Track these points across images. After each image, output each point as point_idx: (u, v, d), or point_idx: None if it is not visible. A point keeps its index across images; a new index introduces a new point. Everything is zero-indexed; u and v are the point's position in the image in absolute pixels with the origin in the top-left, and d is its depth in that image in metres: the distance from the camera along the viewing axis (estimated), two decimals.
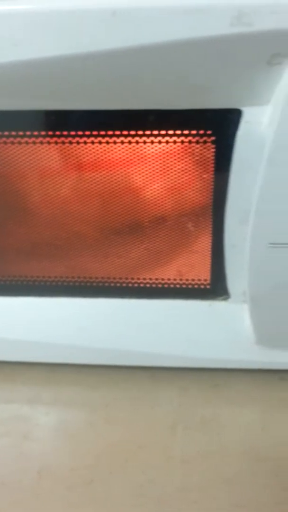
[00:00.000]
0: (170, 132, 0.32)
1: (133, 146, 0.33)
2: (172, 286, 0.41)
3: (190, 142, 0.33)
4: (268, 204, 0.31)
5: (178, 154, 0.33)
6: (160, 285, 0.41)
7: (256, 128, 0.30)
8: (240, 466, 0.38)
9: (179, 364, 0.42)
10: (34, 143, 0.33)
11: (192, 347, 0.41)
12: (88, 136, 0.33)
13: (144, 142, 0.33)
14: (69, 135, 0.33)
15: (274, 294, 0.36)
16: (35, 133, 0.33)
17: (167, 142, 0.33)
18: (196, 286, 0.40)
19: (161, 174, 0.35)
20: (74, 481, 0.37)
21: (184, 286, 0.40)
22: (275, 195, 0.31)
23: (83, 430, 0.40)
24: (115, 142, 0.33)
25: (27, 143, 0.33)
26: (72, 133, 0.33)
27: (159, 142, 0.33)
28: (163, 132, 0.32)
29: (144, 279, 0.41)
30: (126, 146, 0.33)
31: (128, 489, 0.37)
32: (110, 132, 0.33)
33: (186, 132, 0.32)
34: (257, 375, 0.43)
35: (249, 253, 0.34)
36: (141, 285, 0.41)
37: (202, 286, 0.40)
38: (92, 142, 0.33)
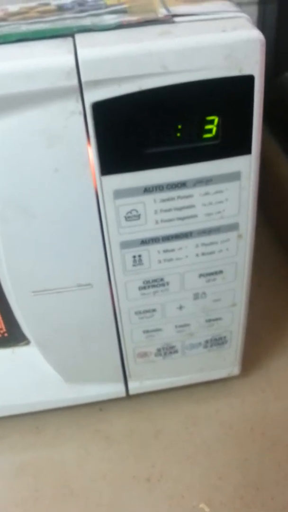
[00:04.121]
0: None
1: None
2: None
3: None
4: (13, 257, 0.33)
5: None
6: None
7: None
8: (55, 506, 0.39)
9: None
10: None
11: (4, 395, 0.42)
12: None
13: None
14: None
15: (54, 336, 0.37)
16: None
17: None
18: None
19: None
20: None
21: None
22: (15, 248, 0.32)
23: None
24: None
25: None
26: None
27: None
28: None
29: None
30: None
31: None
32: None
33: None
34: (77, 410, 0.44)
35: (16, 302, 0.35)
36: None
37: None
38: None
